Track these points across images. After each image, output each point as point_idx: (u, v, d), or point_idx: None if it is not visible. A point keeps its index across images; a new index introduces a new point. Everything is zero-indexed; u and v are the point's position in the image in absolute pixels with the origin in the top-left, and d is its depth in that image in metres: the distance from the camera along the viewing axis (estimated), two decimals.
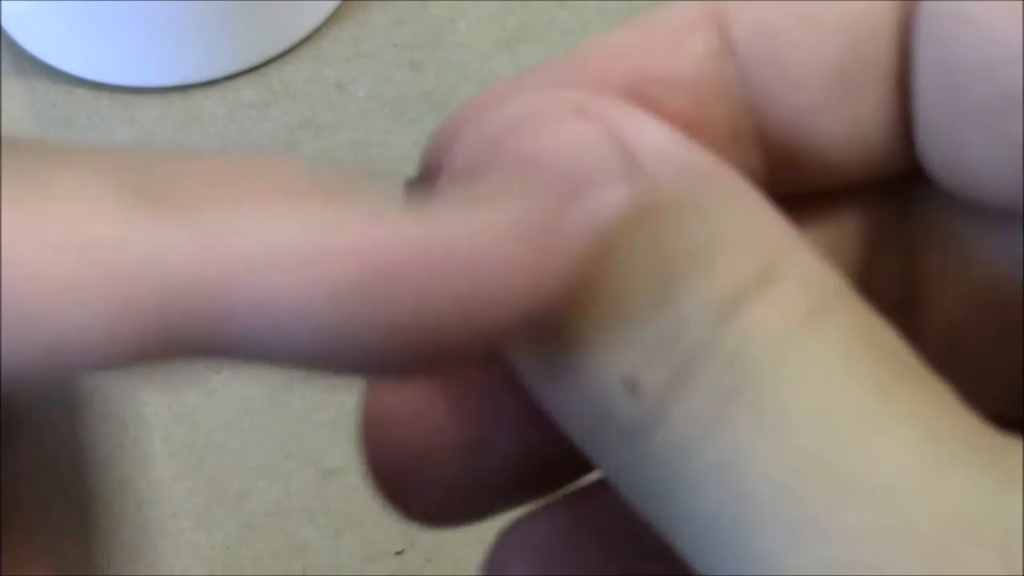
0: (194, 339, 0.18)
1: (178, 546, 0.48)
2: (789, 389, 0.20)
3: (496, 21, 0.61)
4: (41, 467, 0.24)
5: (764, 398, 0.20)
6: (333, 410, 0.51)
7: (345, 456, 0.50)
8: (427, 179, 0.24)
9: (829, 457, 0.19)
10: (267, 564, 0.48)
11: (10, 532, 0.23)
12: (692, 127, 0.24)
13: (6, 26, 0.60)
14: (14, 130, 0.57)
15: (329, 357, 0.19)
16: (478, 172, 0.22)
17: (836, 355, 0.20)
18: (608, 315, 0.21)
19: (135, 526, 0.43)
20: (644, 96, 0.24)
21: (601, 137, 0.22)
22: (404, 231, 0.19)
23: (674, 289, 0.21)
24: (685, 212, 0.21)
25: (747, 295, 0.20)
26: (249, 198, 0.19)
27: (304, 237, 0.19)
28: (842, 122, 0.24)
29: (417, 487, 0.24)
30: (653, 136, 0.22)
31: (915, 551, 0.19)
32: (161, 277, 0.18)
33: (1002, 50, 0.22)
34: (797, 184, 0.25)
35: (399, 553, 0.46)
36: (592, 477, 0.25)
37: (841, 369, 0.20)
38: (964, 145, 0.23)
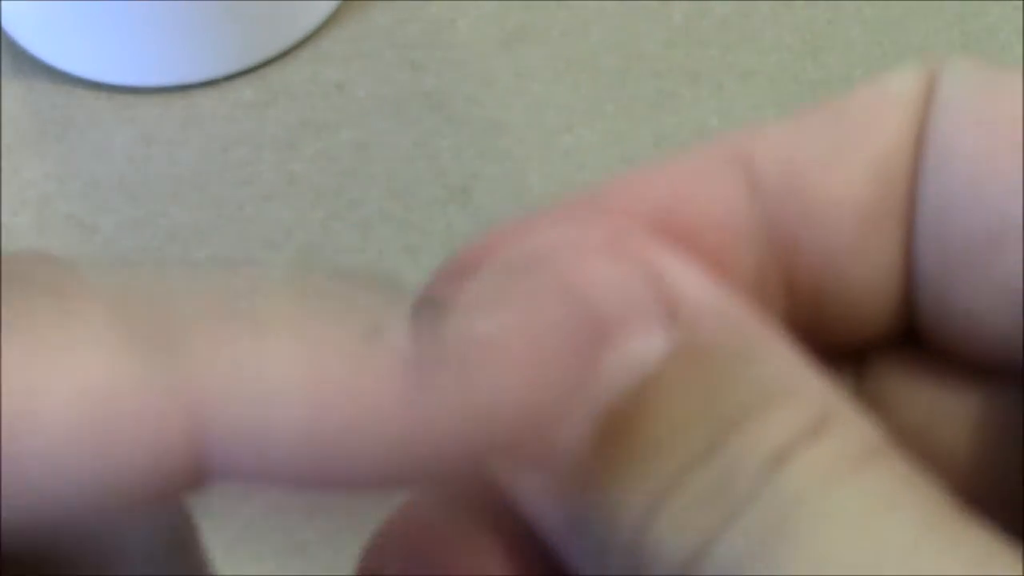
0: (192, 468, 0.19)
1: None
2: (832, 526, 0.20)
3: (496, 21, 0.61)
4: None
5: (806, 534, 0.20)
6: None
7: None
8: (436, 307, 0.23)
9: None
10: (267, 564, 0.48)
11: None
12: (719, 271, 0.23)
13: (6, 26, 0.60)
14: (14, 130, 0.57)
15: (317, 483, 0.21)
16: (503, 303, 0.22)
17: (882, 494, 0.20)
18: (647, 462, 0.21)
19: None
20: (669, 238, 0.23)
21: (638, 278, 0.22)
22: (392, 388, 0.19)
23: (723, 439, 0.21)
24: (729, 363, 0.21)
25: (798, 444, 0.20)
26: (243, 338, 0.19)
27: (289, 387, 0.19)
28: (870, 268, 0.24)
29: None
30: (690, 280, 0.22)
31: None
32: (166, 416, 0.18)
33: (992, 182, 0.22)
34: (820, 336, 0.24)
35: None
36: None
37: (887, 506, 0.20)
38: (953, 284, 0.23)
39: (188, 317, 0.19)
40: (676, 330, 0.21)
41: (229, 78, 0.59)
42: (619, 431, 0.21)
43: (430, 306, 0.22)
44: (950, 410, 0.25)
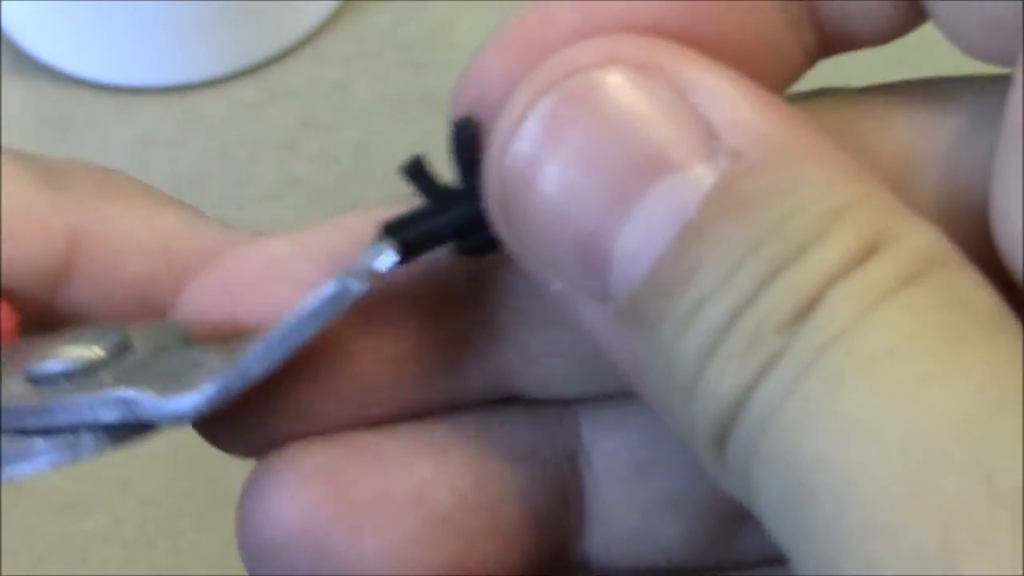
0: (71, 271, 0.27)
1: (178, 546, 0.48)
2: (850, 356, 0.20)
3: (496, 21, 0.61)
4: None
5: (828, 369, 0.20)
6: None
7: None
8: (476, 129, 0.23)
9: (869, 418, 0.19)
10: None
11: None
12: (746, 21, 0.23)
13: (6, 26, 0.60)
14: (14, 130, 0.57)
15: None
16: (538, 150, 0.22)
17: (910, 315, 0.20)
18: (700, 306, 0.21)
19: (135, 526, 0.43)
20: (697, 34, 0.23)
21: (673, 104, 0.21)
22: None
23: (770, 280, 0.20)
24: (776, 191, 0.21)
25: (837, 278, 0.20)
26: (117, 195, 0.29)
27: (166, 233, 0.28)
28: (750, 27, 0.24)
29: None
30: (726, 101, 0.21)
31: (932, 511, 0.19)
32: (53, 229, 0.27)
33: None
34: (845, 49, 0.24)
35: None
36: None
37: (911, 330, 0.20)
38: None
39: (74, 176, 0.28)
40: (718, 162, 0.21)
41: (229, 78, 0.59)
42: (672, 274, 0.21)
43: (462, 137, 0.23)
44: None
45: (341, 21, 0.61)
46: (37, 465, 0.24)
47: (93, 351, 0.25)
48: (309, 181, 0.56)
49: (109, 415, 0.24)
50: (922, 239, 0.21)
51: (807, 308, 0.20)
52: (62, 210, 0.27)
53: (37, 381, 0.25)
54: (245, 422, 0.26)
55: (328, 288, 0.24)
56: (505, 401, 0.26)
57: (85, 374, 0.25)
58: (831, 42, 0.24)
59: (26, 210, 0.27)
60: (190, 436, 0.49)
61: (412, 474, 0.25)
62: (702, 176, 0.21)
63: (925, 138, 0.24)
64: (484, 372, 0.26)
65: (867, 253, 0.20)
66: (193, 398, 0.24)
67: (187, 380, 0.24)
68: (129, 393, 0.24)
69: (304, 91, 0.59)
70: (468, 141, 0.23)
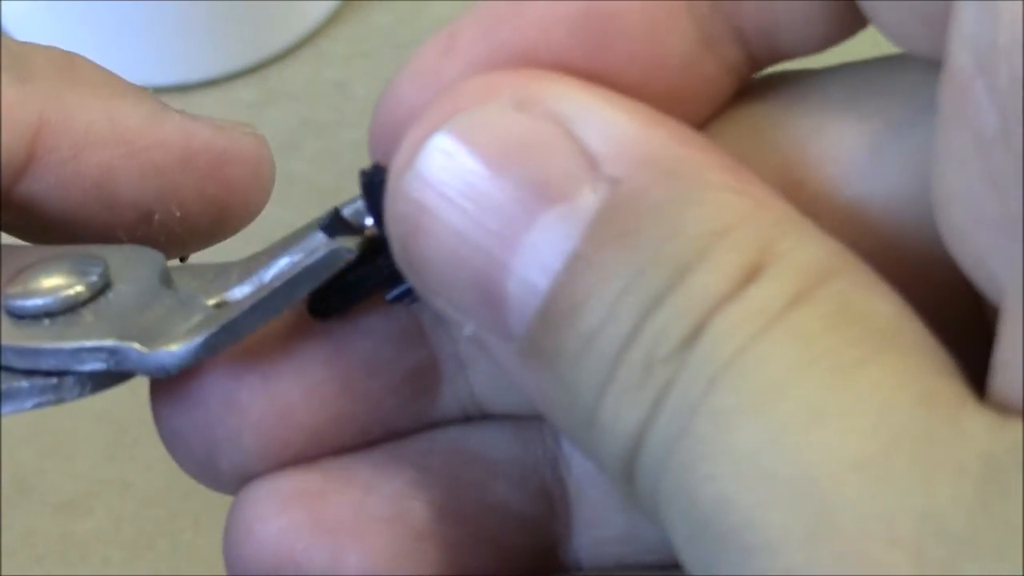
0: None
1: (178, 546, 0.48)
2: (738, 391, 0.19)
3: None
4: None
5: (717, 407, 0.19)
6: None
7: None
8: (384, 175, 0.23)
9: (765, 458, 0.19)
10: None
11: None
12: (654, 45, 0.22)
13: (6, 26, 0.60)
14: None
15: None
16: (425, 192, 0.22)
17: (798, 346, 0.19)
18: (590, 342, 0.20)
19: (135, 526, 0.43)
20: (597, 25, 0.22)
21: (553, 136, 0.21)
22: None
23: (653, 310, 0.20)
24: (655, 217, 0.20)
25: (721, 303, 0.20)
26: (79, 83, 0.29)
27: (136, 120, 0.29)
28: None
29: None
30: (607, 126, 0.21)
31: (835, 552, 0.18)
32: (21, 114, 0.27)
33: None
34: (778, 60, 0.24)
35: None
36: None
37: (798, 360, 0.19)
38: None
39: (37, 62, 0.29)
40: (599, 192, 0.20)
41: (229, 78, 0.59)
42: (561, 308, 0.20)
43: (374, 176, 0.24)
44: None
45: (341, 21, 0.61)
46: (20, 406, 0.24)
47: (75, 289, 0.25)
48: (309, 181, 0.56)
49: (94, 364, 0.24)
50: (809, 253, 0.20)
51: (693, 336, 0.19)
52: (23, 98, 0.28)
53: (19, 317, 0.25)
54: (219, 462, 0.26)
55: (321, 251, 0.24)
56: (481, 418, 0.26)
57: (66, 312, 0.25)
58: (761, 55, 0.23)
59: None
60: None
61: (390, 491, 0.25)
62: (585, 206, 0.20)
63: (854, 137, 0.23)
64: (455, 398, 0.26)
65: (751, 274, 0.20)
66: (179, 352, 0.24)
67: (172, 330, 0.24)
68: (114, 344, 0.24)
69: (304, 91, 0.59)
70: (378, 188, 0.23)
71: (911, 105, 0.23)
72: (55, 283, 0.25)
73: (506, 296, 0.21)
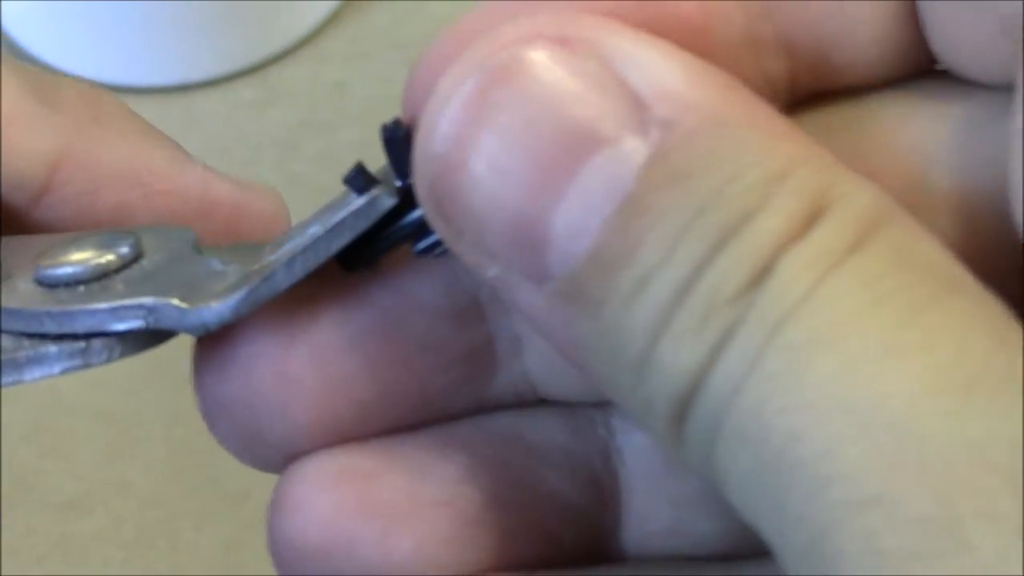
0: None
1: (178, 546, 0.48)
2: (812, 328, 0.19)
3: None
4: None
5: (790, 343, 0.19)
6: None
7: None
8: (408, 129, 0.23)
9: (841, 389, 0.19)
10: (267, 564, 0.48)
11: None
12: (700, 34, 0.22)
13: (6, 26, 0.60)
14: None
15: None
16: (465, 130, 0.21)
17: (867, 285, 0.20)
18: (646, 283, 0.20)
19: (135, 526, 0.43)
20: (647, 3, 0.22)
21: (599, 77, 0.21)
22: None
23: (715, 252, 0.20)
24: (712, 159, 0.20)
25: (785, 245, 0.20)
26: (104, 119, 0.29)
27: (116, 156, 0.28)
28: (870, 13, 0.23)
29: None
30: (654, 70, 0.21)
31: (925, 482, 0.18)
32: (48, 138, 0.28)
33: None
34: (822, 85, 0.24)
35: None
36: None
37: (870, 298, 0.19)
38: (960, 23, 0.23)
39: (65, 93, 0.29)
40: (650, 134, 0.20)
41: (229, 78, 0.59)
42: (614, 250, 0.20)
43: (397, 133, 0.23)
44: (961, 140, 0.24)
45: (341, 21, 0.61)
46: (49, 371, 0.24)
47: (106, 258, 0.25)
48: (309, 181, 0.56)
49: (131, 322, 0.24)
50: (866, 198, 0.20)
51: (759, 277, 0.20)
52: (50, 128, 0.28)
53: (48, 285, 0.25)
54: (265, 435, 0.25)
55: (360, 201, 0.24)
56: (535, 403, 0.26)
57: (99, 279, 0.25)
58: (806, 75, 0.23)
59: (15, 122, 0.27)
60: (189, 437, 0.49)
61: (442, 475, 0.25)
62: (635, 149, 0.20)
63: (937, 132, 0.24)
64: (510, 380, 0.26)
65: (813, 217, 0.20)
66: (219, 307, 0.24)
67: (208, 289, 0.24)
68: (153, 301, 0.24)
69: (304, 91, 0.59)
70: (400, 142, 0.23)
71: (990, 104, 0.23)
72: (86, 255, 0.25)
73: (549, 237, 0.21)
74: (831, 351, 0.19)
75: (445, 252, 0.24)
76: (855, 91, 0.24)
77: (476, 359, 0.25)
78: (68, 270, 0.25)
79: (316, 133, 0.58)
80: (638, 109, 0.21)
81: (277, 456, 0.25)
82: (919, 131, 0.24)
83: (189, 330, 0.24)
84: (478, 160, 0.21)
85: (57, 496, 0.49)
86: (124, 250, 0.25)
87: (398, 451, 0.25)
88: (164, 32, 0.58)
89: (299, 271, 0.24)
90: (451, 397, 0.25)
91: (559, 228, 0.21)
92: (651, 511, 0.26)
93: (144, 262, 0.25)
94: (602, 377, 0.22)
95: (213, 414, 0.25)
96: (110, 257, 0.25)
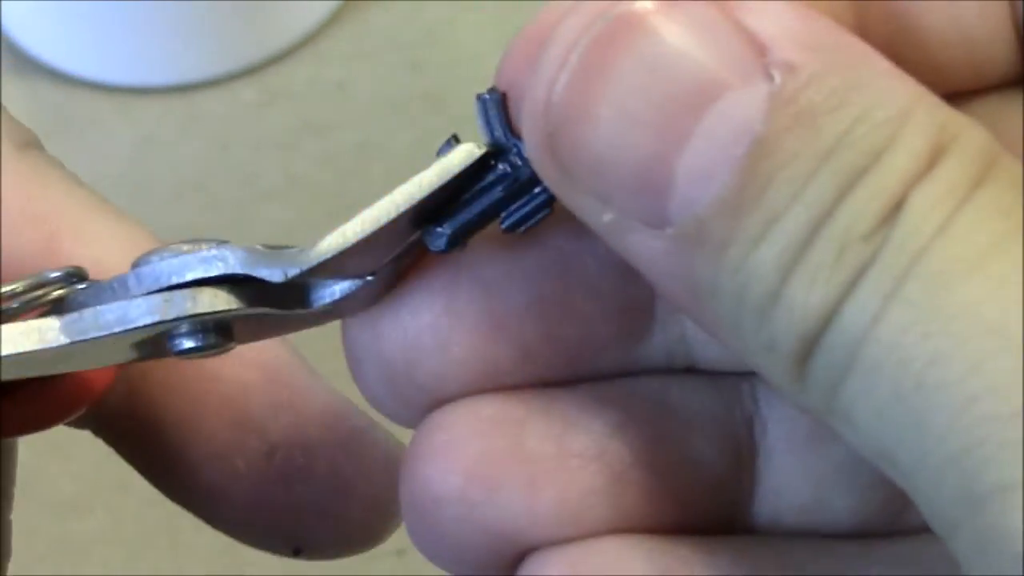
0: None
1: (178, 546, 0.48)
2: (953, 256, 0.20)
3: (496, 21, 0.61)
4: None
5: (931, 271, 0.20)
6: None
7: None
8: (504, 97, 0.24)
9: (985, 312, 0.20)
10: (267, 564, 0.48)
11: None
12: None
13: (6, 26, 0.60)
14: None
15: None
16: (588, 78, 0.22)
17: (998, 215, 0.20)
18: (775, 223, 0.21)
19: (135, 526, 0.43)
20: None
21: (717, 23, 0.21)
22: None
23: (845, 192, 0.20)
24: (835, 100, 0.21)
25: (914, 183, 0.20)
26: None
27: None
28: (948, 21, 0.24)
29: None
30: (771, 14, 0.21)
31: None
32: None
33: None
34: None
35: (399, 553, 0.46)
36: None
37: (1005, 227, 0.20)
38: None
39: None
40: (772, 77, 0.21)
41: (229, 78, 0.59)
42: (742, 193, 0.21)
43: (495, 102, 0.24)
44: None
45: (341, 21, 0.61)
46: (134, 323, 0.24)
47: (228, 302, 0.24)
48: (309, 181, 0.56)
49: (211, 266, 0.24)
50: (980, 136, 0.21)
51: (891, 214, 0.20)
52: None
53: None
54: (416, 373, 0.25)
55: (447, 150, 0.24)
56: (682, 371, 0.26)
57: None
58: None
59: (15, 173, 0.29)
60: None
61: (590, 429, 0.25)
62: (758, 92, 0.21)
63: None
64: (664, 341, 0.26)
65: (937, 153, 0.20)
66: (302, 252, 0.24)
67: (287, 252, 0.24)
68: (234, 246, 0.24)
69: (304, 91, 0.59)
70: (495, 103, 0.24)
71: None
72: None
73: (674, 181, 0.21)
74: (973, 278, 0.20)
75: (534, 224, 0.24)
76: (955, 97, 0.25)
77: (636, 313, 0.25)
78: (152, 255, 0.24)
79: (316, 133, 0.58)
80: (759, 53, 0.21)
81: (422, 401, 0.25)
82: None
83: (269, 275, 0.24)
84: (604, 107, 0.21)
85: (57, 496, 0.49)
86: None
87: (547, 402, 0.25)
88: (164, 32, 0.58)
89: (383, 217, 0.23)
90: (607, 350, 0.25)
91: (684, 172, 0.21)
92: (789, 485, 0.26)
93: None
94: (721, 321, 0.22)
95: (362, 350, 0.25)
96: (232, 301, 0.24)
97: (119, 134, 0.58)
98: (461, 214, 0.24)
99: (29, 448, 0.49)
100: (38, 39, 0.60)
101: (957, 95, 0.24)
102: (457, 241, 0.24)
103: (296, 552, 0.30)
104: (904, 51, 0.24)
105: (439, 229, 0.24)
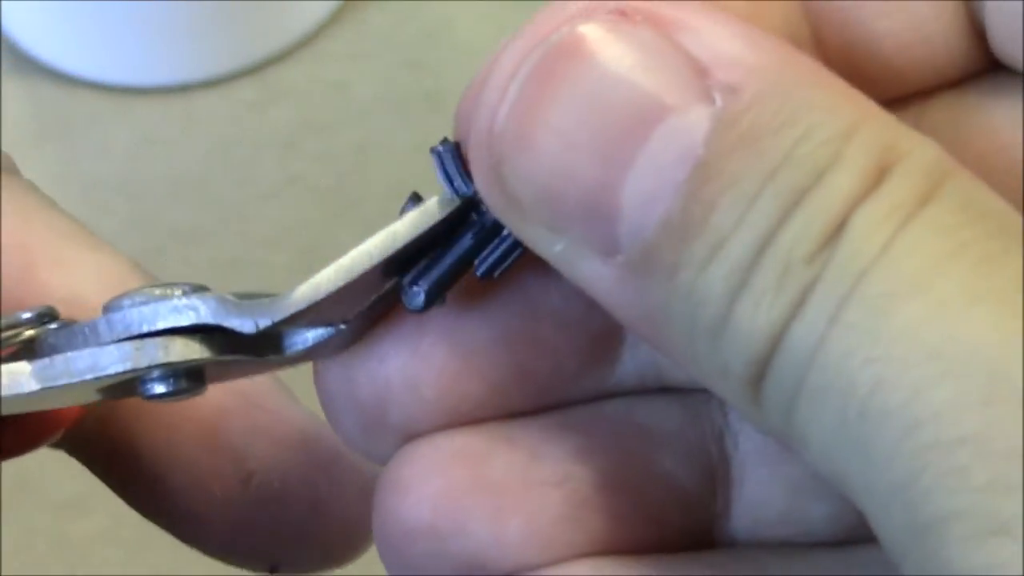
0: None
1: (178, 546, 0.48)
2: (894, 279, 0.20)
3: (496, 21, 0.61)
4: None
5: (872, 294, 0.20)
6: None
7: None
8: (457, 147, 0.23)
9: (927, 336, 0.19)
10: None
11: None
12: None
13: (6, 26, 0.60)
14: (14, 130, 0.57)
15: None
16: (530, 106, 0.21)
17: (944, 235, 0.20)
18: (720, 246, 0.21)
19: (135, 526, 0.43)
20: None
21: (658, 47, 0.21)
22: None
23: (789, 212, 0.20)
24: (781, 121, 0.20)
25: (858, 201, 0.20)
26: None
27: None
28: (904, 22, 0.24)
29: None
30: (713, 36, 0.21)
31: (1017, 418, 0.19)
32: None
33: None
34: (879, 93, 0.24)
35: None
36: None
37: (948, 248, 0.20)
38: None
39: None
40: (714, 99, 0.21)
41: (229, 78, 0.59)
42: (687, 217, 0.21)
43: (449, 148, 0.23)
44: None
45: (341, 21, 0.61)
46: (103, 371, 0.24)
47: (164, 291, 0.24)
48: (309, 181, 0.56)
49: (182, 315, 0.24)
50: (930, 152, 0.21)
51: (834, 234, 0.20)
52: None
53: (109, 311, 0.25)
54: (388, 414, 0.25)
55: (411, 207, 0.24)
56: (654, 391, 0.26)
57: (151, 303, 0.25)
58: (862, 84, 0.23)
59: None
60: None
61: (555, 456, 0.25)
62: (701, 115, 0.20)
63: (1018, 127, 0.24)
64: (635, 364, 0.25)
65: (882, 172, 0.20)
66: (274, 301, 0.24)
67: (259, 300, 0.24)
68: (205, 295, 0.24)
69: (304, 91, 0.59)
70: (451, 155, 0.23)
71: None
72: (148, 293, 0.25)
73: (620, 208, 0.21)
74: (915, 300, 0.19)
75: (508, 267, 0.24)
76: (914, 97, 0.25)
77: (606, 341, 0.25)
78: (125, 300, 0.24)
79: (316, 133, 0.58)
80: (700, 76, 0.21)
81: (395, 440, 0.25)
82: (1004, 127, 0.24)
83: (240, 325, 0.24)
84: (545, 133, 0.21)
85: (57, 496, 0.49)
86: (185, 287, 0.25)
87: (512, 433, 0.25)
88: (164, 32, 0.58)
89: (357, 268, 0.24)
90: (578, 380, 0.25)
91: (630, 198, 0.21)
92: (764, 496, 0.26)
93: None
94: (675, 346, 0.22)
95: (334, 392, 0.25)
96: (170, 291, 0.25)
97: (119, 134, 0.58)
98: (434, 270, 0.24)
99: None
100: (38, 39, 0.60)
101: (918, 95, 0.24)
102: (434, 297, 0.24)
103: (272, 570, 0.30)
104: (862, 57, 0.24)
105: (415, 288, 0.24)
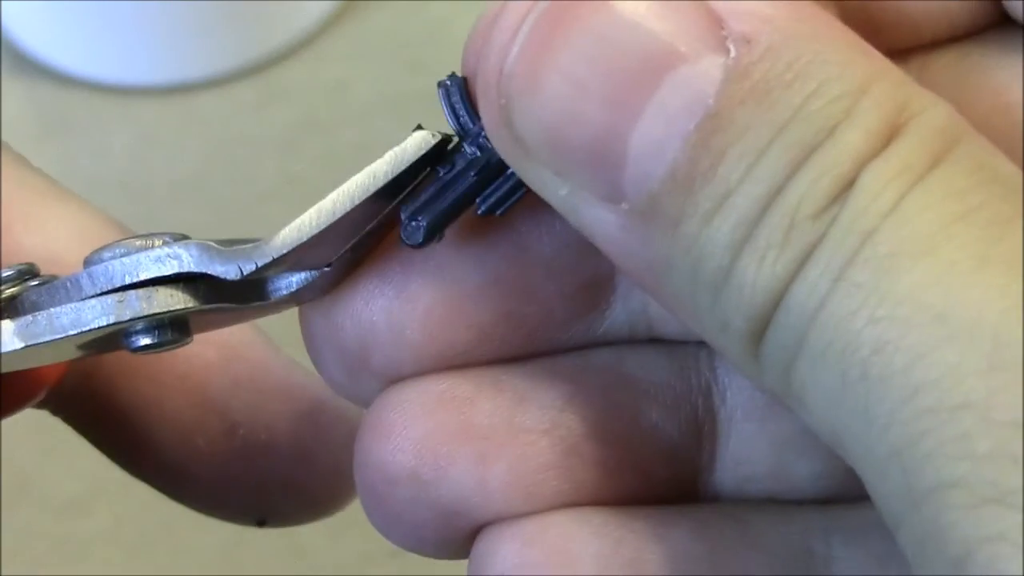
0: None
1: (178, 546, 0.48)
2: (901, 239, 0.19)
3: None
4: None
5: (879, 254, 0.19)
6: None
7: None
8: (465, 81, 0.23)
9: (932, 299, 0.19)
10: (267, 564, 0.48)
11: None
12: None
13: (6, 26, 0.60)
14: (14, 130, 0.57)
15: None
16: (541, 48, 0.21)
17: (953, 199, 0.20)
18: (727, 198, 0.20)
19: (135, 526, 0.43)
20: None
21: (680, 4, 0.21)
22: None
23: (796, 168, 0.20)
24: (794, 75, 0.20)
25: (867, 161, 0.20)
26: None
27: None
28: None
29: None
30: None
31: (1019, 386, 0.19)
32: None
33: None
34: (888, 44, 0.24)
35: (393, 555, 0.46)
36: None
37: (957, 211, 0.19)
38: None
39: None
40: (728, 50, 0.20)
41: (229, 78, 0.59)
42: (694, 167, 0.20)
43: (455, 86, 0.24)
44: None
45: (341, 21, 0.61)
46: (87, 326, 0.24)
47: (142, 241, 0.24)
48: (309, 181, 0.56)
49: (165, 265, 0.24)
50: (942, 114, 0.20)
51: (842, 192, 0.20)
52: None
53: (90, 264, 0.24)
54: (371, 357, 0.25)
55: (409, 138, 0.24)
56: (644, 342, 0.26)
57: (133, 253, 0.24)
58: (870, 36, 0.23)
59: None
60: None
61: (542, 402, 0.25)
62: (714, 65, 0.20)
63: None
64: (625, 314, 0.25)
65: (893, 131, 0.20)
66: (258, 247, 0.24)
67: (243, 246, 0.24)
68: (188, 242, 0.24)
69: (304, 91, 0.59)
70: (456, 88, 0.23)
71: None
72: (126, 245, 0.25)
73: (626, 155, 0.21)
74: (921, 262, 0.19)
75: (507, 209, 0.24)
76: (916, 50, 0.24)
77: (596, 290, 0.25)
78: (105, 252, 0.24)
79: (316, 133, 0.58)
80: (715, 25, 0.21)
81: (379, 384, 0.25)
82: (1008, 85, 0.24)
83: (224, 272, 0.24)
84: (555, 76, 0.21)
85: (57, 496, 0.49)
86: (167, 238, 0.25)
87: (499, 377, 0.25)
88: (164, 32, 0.58)
89: (339, 210, 0.23)
90: (566, 328, 0.25)
91: (637, 146, 0.21)
92: (750, 452, 0.25)
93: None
94: (676, 298, 0.21)
95: (319, 335, 0.25)
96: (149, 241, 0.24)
97: (119, 134, 0.58)
98: (436, 204, 0.24)
99: (29, 448, 0.49)
100: (38, 39, 0.60)
101: (921, 48, 0.24)
102: (435, 232, 0.24)
103: (260, 523, 0.30)
104: (879, 9, 0.23)
105: (415, 222, 0.24)
